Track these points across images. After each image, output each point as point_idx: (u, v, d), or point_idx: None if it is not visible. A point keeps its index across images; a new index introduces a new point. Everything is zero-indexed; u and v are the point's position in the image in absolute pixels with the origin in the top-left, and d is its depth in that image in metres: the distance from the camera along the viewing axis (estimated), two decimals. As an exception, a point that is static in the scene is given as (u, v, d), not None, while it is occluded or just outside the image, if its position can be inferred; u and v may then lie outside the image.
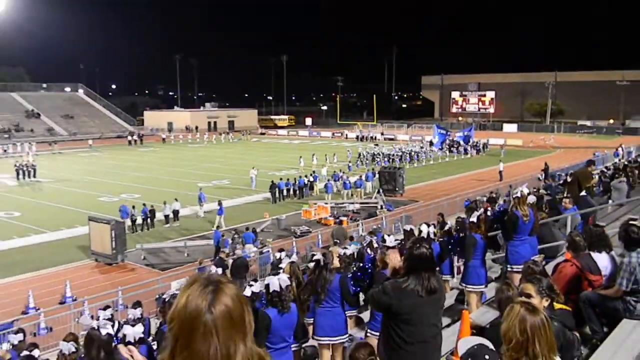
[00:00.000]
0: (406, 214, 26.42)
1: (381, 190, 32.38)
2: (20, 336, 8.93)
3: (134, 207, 26.65)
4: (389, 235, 9.00)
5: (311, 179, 35.43)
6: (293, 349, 5.90)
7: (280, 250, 12.95)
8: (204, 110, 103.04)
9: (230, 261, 17.56)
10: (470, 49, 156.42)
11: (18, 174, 41.71)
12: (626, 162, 23.82)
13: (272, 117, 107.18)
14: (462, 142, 57.69)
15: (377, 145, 57.99)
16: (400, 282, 4.08)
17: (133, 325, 6.26)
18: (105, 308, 8.41)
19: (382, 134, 75.30)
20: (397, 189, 34.00)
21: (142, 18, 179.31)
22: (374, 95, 79.21)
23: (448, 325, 6.93)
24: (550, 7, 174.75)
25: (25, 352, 8.08)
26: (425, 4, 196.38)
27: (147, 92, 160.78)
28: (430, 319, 4.17)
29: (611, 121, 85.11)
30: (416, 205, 30.76)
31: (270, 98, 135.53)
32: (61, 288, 18.41)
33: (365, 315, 8.13)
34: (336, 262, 7.17)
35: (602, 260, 5.89)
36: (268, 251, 20.30)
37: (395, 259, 4.43)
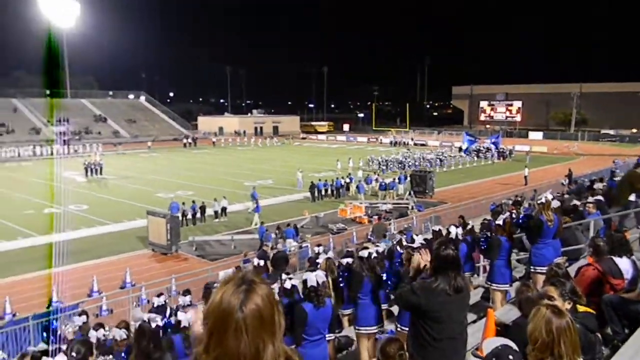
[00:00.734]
0: (435, 215, 26.05)
1: (412, 192, 32.06)
2: (83, 318, 9.10)
3: (184, 203, 27.03)
4: (417, 235, 8.86)
5: (347, 180, 35.35)
6: (328, 338, 5.86)
7: (318, 246, 12.92)
8: (252, 116, 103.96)
9: (271, 254, 17.62)
10: (499, 61, 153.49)
11: (86, 171, 42.92)
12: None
13: (313, 123, 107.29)
14: (490, 148, 56.68)
15: (408, 150, 57.45)
16: (428, 282, 3.98)
17: (185, 312, 6.32)
18: (159, 295, 8.51)
19: (412, 139, 74.46)
20: (427, 191, 33.62)
21: (197, 33, 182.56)
22: (407, 104, 78.58)
23: (474, 322, 6.75)
24: (584, 22, 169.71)
25: (92, 332, 8.06)
26: (456, 23, 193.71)
27: (201, 99, 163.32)
28: (457, 316, 4.06)
29: (634, 130, 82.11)
30: (445, 206, 30.30)
31: (312, 106, 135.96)
32: (121, 274, 18.77)
33: (396, 309, 8.02)
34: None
35: (624, 264, 5.65)
36: (307, 246, 20.30)
37: (421, 259, 4.31)
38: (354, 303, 6.71)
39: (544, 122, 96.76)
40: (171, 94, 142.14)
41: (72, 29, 75.65)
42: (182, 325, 5.73)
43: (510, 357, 2.68)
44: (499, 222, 7.41)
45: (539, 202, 7.43)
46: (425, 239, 8.23)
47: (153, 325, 5.39)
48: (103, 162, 44.74)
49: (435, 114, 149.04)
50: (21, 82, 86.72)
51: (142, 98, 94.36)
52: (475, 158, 54.55)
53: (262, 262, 12.32)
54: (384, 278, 7.18)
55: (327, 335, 5.65)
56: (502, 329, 4.89)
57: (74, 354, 5.60)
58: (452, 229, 7.73)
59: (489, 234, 8.22)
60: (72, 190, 35.72)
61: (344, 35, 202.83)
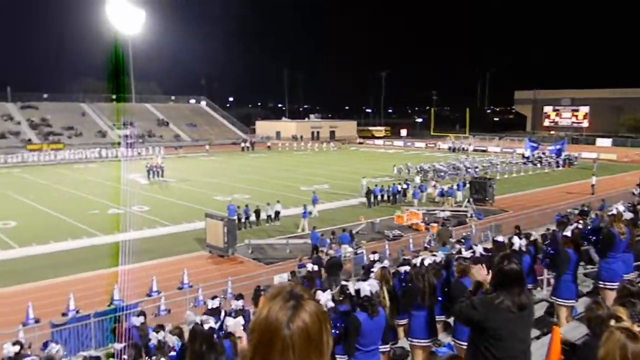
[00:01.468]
0: (496, 223, 25.29)
1: (471, 200, 31.29)
2: (141, 319, 9.29)
3: (239, 207, 27.44)
4: (476, 245, 8.55)
5: (404, 186, 34.91)
6: (382, 350, 5.71)
7: (373, 253, 12.75)
8: (309, 120, 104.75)
9: (325, 260, 17.59)
10: (564, 64, 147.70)
11: (149, 173, 44.33)
12: None
13: (370, 128, 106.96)
14: (554, 155, 54.62)
15: (467, 157, 56.22)
16: (490, 298, 3.76)
17: (235, 317, 6.31)
18: (213, 298, 8.59)
19: (469, 145, 72.65)
20: (487, 198, 32.72)
21: (256, 39, 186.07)
22: (467, 109, 76.87)
23: (537, 337, 6.43)
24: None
25: (153, 334, 8.11)
26: (519, 26, 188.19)
27: (259, 104, 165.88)
28: (520, 334, 3.83)
29: None
30: (506, 215, 29.38)
31: (369, 110, 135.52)
32: (179, 275, 19.14)
33: (452, 321, 7.76)
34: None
35: None
36: (362, 252, 20.15)
37: (481, 274, 4.11)
38: (408, 313, 6.53)
39: (613, 128, 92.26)
40: (230, 99, 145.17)
41: (136, 35, 78.80)
42: (228, 331, 5.73)
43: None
44: (567, 233, 7.03)
45: (609, 213, 7.01)
46: (485, 249, 7.93)
47: (206, 327, 5.41)
48: (164, 165, 46.08)
49: (496, 119, 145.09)
50: (89, 87, 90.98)
51: (203, 103, 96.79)
52: (538, 165, 52.70)
53: (316, 268, 12.29)
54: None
55: (381, 347, 5.52)
56: (570, 349, 4.61)
57: (125, 356, 5.68)
58: (515, 240, 7.39)
59: (554, 246, 7.83)
60: (135, 192, 37.00)
61: (403, 38, 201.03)
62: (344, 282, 6.85)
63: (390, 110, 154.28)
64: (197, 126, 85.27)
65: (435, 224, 25.57)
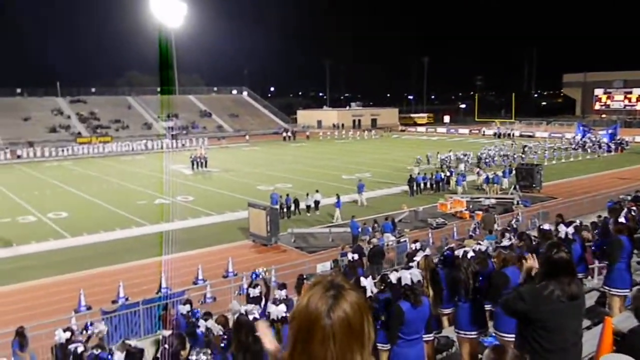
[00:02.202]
0: (543, 211, 24.58)
1: (517, 186, 30.51)
2: (187, 307, 9.48)
3: (281, 196, 27.62)
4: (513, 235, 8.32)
5: (448, 173, 34.35)
6: (426, 339, 5.64)
7: (415, 241, 12.60)
8: (350, 109, 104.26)
9: (368, 248, 17.52)
10: (616, 45, 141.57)
11: (193, 164, 45.21)
12: None
13: (412, 115, 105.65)
14: (605, 140, 52.64)
15: (513, 143, 54.83)
16: (538, 288, 3.62)
17: (278, 305, 6.35)
18: (255, 286, 8.67)
19: (515, 130, 70.78)
20: (534, 185, 31.82)
21: (297, 30, 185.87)
22: (513, 93, 74.87)
23: (588, 328, 6.22)
24: None
25: (202, 321, 8.24)
26: (568, 6, 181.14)
27: (300, 93, 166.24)
28: (570, 325, 3.68)
29: None
30: (554, 202, 28.54)
31: (411, 97, 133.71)
32: (224, 263, 19.43)
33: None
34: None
35: None
36: (405, 240, 19.95)
37: (533, 263, 3.96)
38: (454, 304, 6.40)
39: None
40: (272, 89, 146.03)
41: (179, 28, 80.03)
42: (270, 318, 5.76)
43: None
44: (621, 219, 6.74)
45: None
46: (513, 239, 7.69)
47: (250, 317, 5.46)
48: (208, 156, 46.84)
49: (544, 103, 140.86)
50: (134, 80, 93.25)
51: (245, 93, 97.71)
52: (589, 150, 50.91)
53: (356, 256, 12.24)
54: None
55: (425, 336, 5.44)
56: (620, 338, 4.43)
57: (166, 346, 5.78)
58: (562, 228, 7.13)
59: (606, 233, 7.53)
60: (179, 183, 37.83)
61: (444, 23, 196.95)
62: (385, 272, 6.79)
63: (433, 97, 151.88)
64: (239, 116, 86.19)
65: (480, 212, 25.09)
